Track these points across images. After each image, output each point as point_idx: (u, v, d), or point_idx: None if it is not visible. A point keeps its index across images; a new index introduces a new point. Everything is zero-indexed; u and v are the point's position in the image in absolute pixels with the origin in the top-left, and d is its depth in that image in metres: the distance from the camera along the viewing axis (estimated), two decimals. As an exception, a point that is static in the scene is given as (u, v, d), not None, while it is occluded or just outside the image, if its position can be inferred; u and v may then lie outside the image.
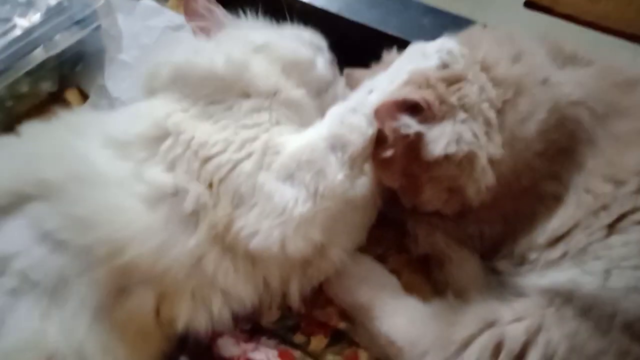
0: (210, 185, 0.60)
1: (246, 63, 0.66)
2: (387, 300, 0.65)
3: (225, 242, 0.60)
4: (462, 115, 0.59)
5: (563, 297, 0.56)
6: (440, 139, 0.58)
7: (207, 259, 0.59)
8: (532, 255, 0.61)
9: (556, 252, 0.59)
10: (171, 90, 0.66)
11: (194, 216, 0.59)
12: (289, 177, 0.60)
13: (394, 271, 0.70)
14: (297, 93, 0.69)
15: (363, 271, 0.68)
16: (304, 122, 0.67)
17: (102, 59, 0.88)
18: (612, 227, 0.56)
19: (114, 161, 0.60)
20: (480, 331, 0.58)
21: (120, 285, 0.56)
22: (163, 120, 0.62)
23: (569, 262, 0.57)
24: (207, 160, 0.60)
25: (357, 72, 0.76)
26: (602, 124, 0.61)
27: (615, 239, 0.55)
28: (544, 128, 0.60)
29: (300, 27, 0.80)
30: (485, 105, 0.59)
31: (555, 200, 0.60)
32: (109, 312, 0.55)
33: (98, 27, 0.85)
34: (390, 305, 0.65)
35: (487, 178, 0.60)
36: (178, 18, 0.96)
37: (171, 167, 0.60)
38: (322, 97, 0.74)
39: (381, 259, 0.72)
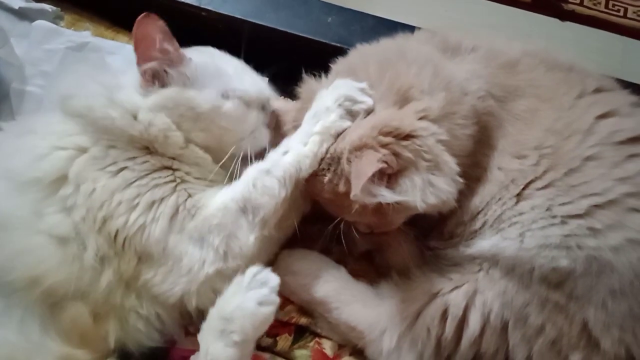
0: (114, 238, 0.62)
1: (152, 121, 0.65)
2: (341, 291, 0.71)
3: (133, 285, 0.64)
4: (423, 163, 0.61)
5: (490, 261, 0.65)
6: (413, 192, 0.60)
7: (115, 293, 0.63)
8: (459, 230, 0.69)
9: (477, 223, 0.67)
10: (76, 122, 0.65)
11: (99, 262, 0.62)
12: (200, 239, 0.63)
13: (339, 261, 0.75)
14: (201, 152, 0.68)
15: (313, 268, 0.73)
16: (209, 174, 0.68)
17: (4, 91, 0.82)
18: (519, 196, 0.65)
19: (12, 196, 0.61)
20: (427, 303, 0.67)
21: (51, 302, 0.60)
22: (64, 166, 0.62)
23: (489, 231, 0.66)
24: (109, 218, 0.62)
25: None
26: (503, 107, 0.69)
27: (523, 205, 0.65)
28: (471, 135, 0.66)
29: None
30: (445, 157, 0.62)
31: (477, 181, 0.68)
32: (53, 321, 0.60)
33: (-5, 59, 0.79)
34: (344, 294, 0.71)
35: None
36: (77, 36, 0.92)
37: (68, 212, 0.62)
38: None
39: (325, 251, 0.76)
